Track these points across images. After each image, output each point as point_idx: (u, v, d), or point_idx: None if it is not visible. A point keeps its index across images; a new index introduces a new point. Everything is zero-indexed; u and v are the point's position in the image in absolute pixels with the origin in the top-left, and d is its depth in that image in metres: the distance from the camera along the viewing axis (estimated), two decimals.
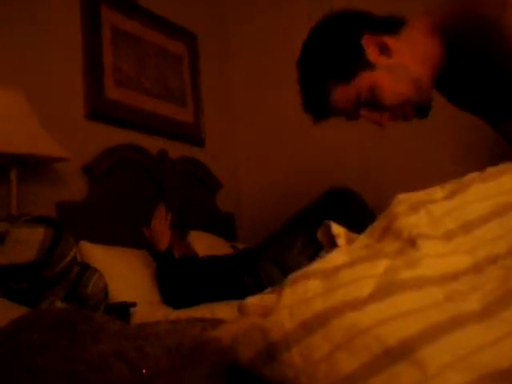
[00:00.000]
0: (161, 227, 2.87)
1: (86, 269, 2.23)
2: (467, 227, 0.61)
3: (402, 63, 1.47)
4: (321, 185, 2.98)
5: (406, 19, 1.55)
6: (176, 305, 2.62)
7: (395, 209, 0.66)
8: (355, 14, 1.54)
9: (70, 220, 2.74)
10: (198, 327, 1.04)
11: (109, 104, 3.27)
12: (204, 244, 3.26)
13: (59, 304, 2.03)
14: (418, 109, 1.51)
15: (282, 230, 2.65)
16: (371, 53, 1.46)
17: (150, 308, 2.62)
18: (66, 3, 3.15)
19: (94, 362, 0.81)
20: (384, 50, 1.45)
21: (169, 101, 3.75)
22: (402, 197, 0.69)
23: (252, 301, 0.64)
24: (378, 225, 0.67)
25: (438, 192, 0.68)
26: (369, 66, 1.46)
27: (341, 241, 0.69)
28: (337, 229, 0.71)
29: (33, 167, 2.72)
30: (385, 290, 0.55)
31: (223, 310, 2.30)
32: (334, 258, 0.61)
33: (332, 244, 0.71)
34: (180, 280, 2.71)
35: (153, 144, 3.46)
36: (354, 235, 0.71)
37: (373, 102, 1.49)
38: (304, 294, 0.58)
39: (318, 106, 1.63)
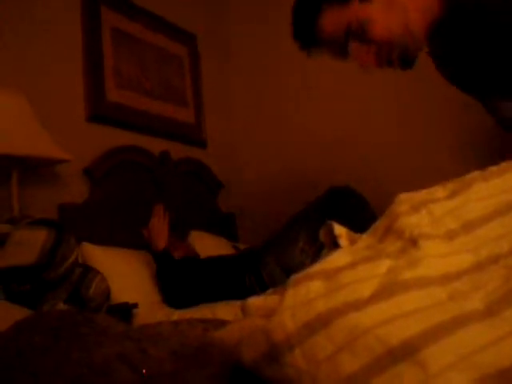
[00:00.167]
0: (158, 227, 2.87)
1: (88, 270, 2.23)
2: (469, 227, 0.61)
3: (403, 4, 1.41)
4: (322, 184, 2.98)
5: None
6: (177, 305, 2.61)
7: (397, 208, 0.66)
8: None
9: (71, 222, 2.74)
10: (201, 328, 1.04)
11: (110, 106, 3.27)
12: (205, 244, 3.26)
13: (61, 306, 2.03)
14: (404, 57, 1.45)
15: (284, 229, 2.65)
16: None
17: (152, 309, 2.62)
18: (66, 5, 3.15)
19: (97, 365, 0.81)
20: None
21: (170, 102, 3.75)
22: (403, 196, 0.69)
23: (254, 302, 0.64)
24: (379, 225, 0.67)
25: (439, 191, 0.68)
26: None
27: (343, 241, 0.69)
28: (339, 229, 0.71)
29: (34, 169, 2.72)
30: (387, 290, 0.55)
31: (225, 311, 2.30)
32: (336, 259, 0.61)
33: (334, 244, 0.71)
34: (181, 280, 2.71)
35: (154, 145, 3.46)
36: (356, 235, 0.71)
37: (362, 36, 1.43)
38: (306, 295, 0.58)
39: (306, 30, 1.54)
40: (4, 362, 0.95)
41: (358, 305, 0.54)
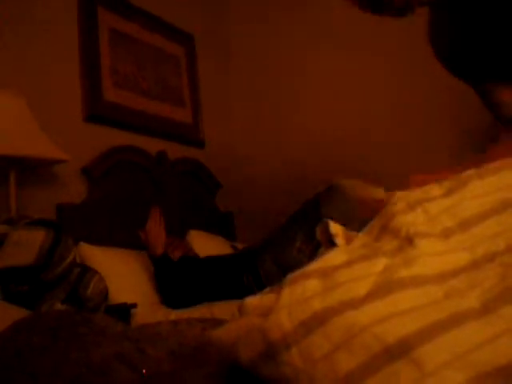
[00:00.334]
0: (155, 230, 2.87)
1: (86, 271, 2.23)
2: (465, 225, 0.61)
3: None
4: (320, 183, 2.99)
5: None
6: (175, 305, 2.62)
7: (393, 207, 0.66)
8: None
9: (69, 222, 2.74)
10: (199, 328, 1.04)
11: (107, 106, 3.27)
12: (203, 244, 3.27)
13: (59, 306, 2.03)
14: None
15: (281, 228, 2.65)
16: None
17: (150, 309, 2.63)
18: (64, 5, 3.15)
19: (96, 365, 0.82)
20: None
21: (167, 102, 3.75)
22: (399, 195, 0.69)
23: (251, 301, 0.64)
24: (375, 223, 0.67)
25: (435, 189, 0.68)
26: None
27: (339, 240, 0.69)
28: (335, 227, 0.71)
29: (32, 169, 2.72)
30: (383, 288, 0.55)
31: (223, 310, 2.31)
32: (333, 258, 0.62)
33: (330, 243, 0.71)
34: (179, 280, 2.71)
35: (152, 145, 3.47)
36: (353, 234, 0.71)
37: None
38: (303, 293, 0.58)
39: None
40: (2, 362, 0.95)
41: (354, 303, 0.54)
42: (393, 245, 0.61)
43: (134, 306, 2.47)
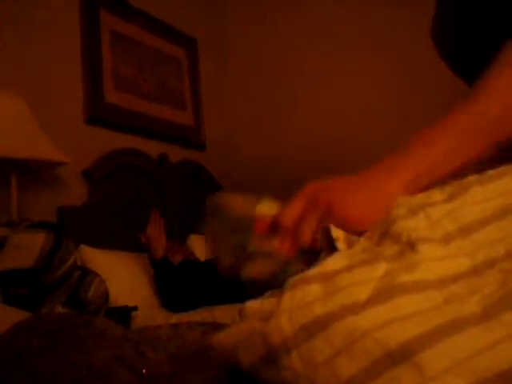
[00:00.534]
0: (155, 233, 2.88)
1: (87, 273, 2.23)
2: (466, 230, 0.61)
3: None
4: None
5: None
6: (176, 309, 2.62)
7: (394, 212, 0.66)
8: None
9: (70, 224, 2.74)
10: (199, 331, 1.04)
11: (108, 108, 3.28)
12: (204, 247, 3.27)
13: (59, 309, 2.03)
14: None
15: None
16: None
17: (151, 312, 2.63)
18: (66, 7, 3.16)
19: (96, 368, 0.82)
20: None
21: (168, 104, 3.76)
22: (400, 200, 0.69)
23: (252, 305, 0.65)
24: (376, 228, 0.67)
25: (436, 195, 0.68)
26: None
27: (340, 244, 0.69)
28: (336, 232, 0.71)
29: (33, 172, 2.72)
30: (384, 293, 0.55)
31: (223, 314, 2.31)
32: (333, 262, 0.62)
33: (331, 247, 0.71)
34: (180, 284, 2.71)
35: (153, 148, 3.47)
36: (354, 238, 0.71)
37: None
38: (303, 298, 0.58)
39: None
40: (2, 364, 0.95)
41: (355, 308, 0.55)
42: (394, 250, 0.61)
43: (135, 308, 2.47)
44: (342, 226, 0.70)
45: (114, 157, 3.19)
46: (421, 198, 0.67)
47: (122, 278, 2.75)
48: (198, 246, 3.26)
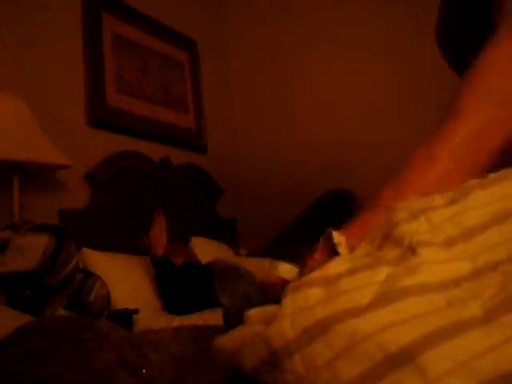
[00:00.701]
0: (157, 233, 2.89)
1: (89, 276, 2.23)
2: (467, 234, 0.62)
3: None
4: (323, 189, 2.99)
5: None
6: (178, 311, 2.62)
7: (395, 216, 0.66)
8: None
9: (72, 227, 2.75)
10: (202, 334, 1.05)
11: (110, 111, 3.28)
12: (206, 250, 3.27)
13: (62, 312, 2.03)
14: None
15: (282, 235, 2.66)
16: None
17: (153, 315, 2.63)
18: (68, 10, 3.17)
19: (99, 371, 0.82)
20: None
21: (170, 107, 3.77)
22: (401, 204, 0.69)
23: (256, 310, 0.65)
24: (378, 232, 0.67)
25: (438, 199, 0.68)
26: None
27: (342, 249, 0.69)
28: (338, 237, 0.71)
29: (35, 175, 2.73)
30: (386, 296, 0.56)
31: None
32: (335, 266, 0.62)
33: (333, 252, 0.71)
34: (182, 286, 2.71)
35: (155, 151, 3.48)
36: (356, 243, 0.71)
37: None
38: (305, 301, 0.59)
39: None
40: (5, 367, 0.95)
41: (356, 312, 0.55)
42: (395, 253, 0.61)
43: (136, 311, 2.47)
44: None
45: (115, 160, 3.20)
46: (422, 202, 0.68)
47: (123, 280, 2.75)
48: (200, 249, 3.26)
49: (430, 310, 0.54)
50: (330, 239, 0.70)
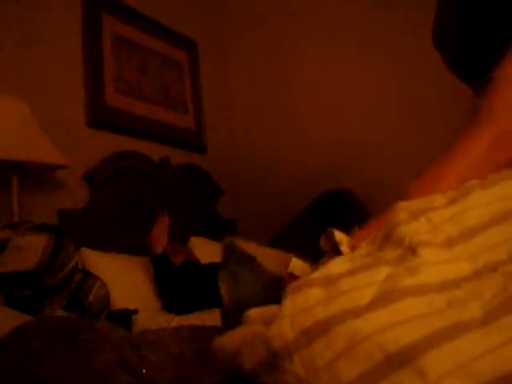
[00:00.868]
0: (159, 232, 2.89)
1: (88, 276, 2.23)
2: (467, 234, 0.62)
3: None
4: (321, 189, 2.99)
5: None
6: (177, 311, 2.61)
7: (396, 216, 0.66)
8: None
9: (71, 227, 2.74)
10: (201, 334, 1.05)
11: (110, 111, 3.28)
12: (205, 250, 3.27)
13: (60, 312, 2.03)
14: None
15: (281, 235, 2.66)
16: None
17: (152, 315, 2.62)
18: (67, 10, 3.17)
19: (98, 371, 0.82)
20: None
21: (170, 108, 3.77)
22: (402, 204, 0.69)
23: (256, 310, 0.65)
24: (378, 232, 0.67)
25: (438, 199, 0.68)
26: None
27: (344, 248, 0.69)
28: (340, 235, 0.71)
29: (34, 175, 2.72)
30: (386, 297, 0.55)
31: None
32: (336, 266, 0.62)
33: (335, 250, 0.71)
34: (181, 286, 2.71)
35: (154, 151, 3.48)
36: (357, 242, 0.71)
37: None
38: (305, 302, 0.58)
39: None
40: (4, 367, 0.95)
41: (357, 312, 0.55)
42: (396, 254, 0.61)
43: (136, 312, 2.47)
44: None
45: (115, 160, 3.19)
46: (423, 202, 0.68)
47: (123, 280, 2.75)
48: (199, 249, 3.26)
49: (431, 311, 0.54)
50: (331, 238, 0.70)
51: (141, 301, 2.70)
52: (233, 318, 0.87)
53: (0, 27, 2.75)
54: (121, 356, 0.88)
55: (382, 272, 0.59)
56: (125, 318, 2.43)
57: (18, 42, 2.83)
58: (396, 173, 3.37)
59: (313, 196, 2.94)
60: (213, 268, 2.77)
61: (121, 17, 3.51)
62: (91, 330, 1.02)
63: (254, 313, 0.65)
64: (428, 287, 0.56)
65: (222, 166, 4.07)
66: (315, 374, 0.54)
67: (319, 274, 0.61)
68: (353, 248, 0.69)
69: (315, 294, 0.59)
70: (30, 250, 2.02)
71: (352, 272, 0.60)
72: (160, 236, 2.88)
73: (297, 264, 0.90)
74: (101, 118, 3.22)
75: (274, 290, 0.86)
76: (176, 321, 2.43)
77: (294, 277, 0.86)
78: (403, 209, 0.67)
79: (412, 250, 0.60)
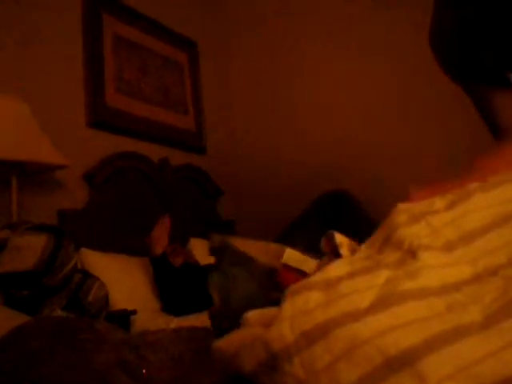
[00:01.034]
0: (159, 233, 2.89)
1: (87, 277, 2.23)
2: (467, 238, 0.62)
3: None
4: (321, 189, 2.99)
5: None
6: (176, 312, 2.61)
7: (396, 219, 0.66)
8: None
9: (70, 227, 2.74)
10: (200, 335, 1.04)
11: (110, 112, 3.28)
12: (205, 251, 3.26)
13: (59, 312, 2.03)
14: None
15: (281, 236, 2.66)
16: None
17: (151, 315, 2.62)
18: (68, 10, 3.17)
19: (97, 372, 0.82)
20: None
21: (170, 109, 3.76)
22: (402, 207, 0.69)
23: (255, 312, 0.65)
24: (378, 235, 0.67)
25: (438, 202, 0.68)
26: None
27: (343, 250, 0.69)
28: (340, 238, 0.71)
29: (33, 175, 2.72)
30: (386, 300, 0.55)
31: None
32: (335, 269, 0.62)
33: (335, 253, 0.71)
34: (180, 287, 2.71)
35: (154, 152, 3.47)
36: (357, 245, 0.71)
37: None
38: (305, 304, 0.58)
39: None
40: (3, 367, 0.95)
41: (356, 315, 0.55)
42: (395, 257, 0.61)
43: (134, 312, 2.47)
44: None
45: (114, 160, 3.19)
46: (422, 205, 0.67)
47: (122, 281, 2.75)
48: (199, 250, 3.26)
49: (431, 315, 0.54)
50: (331, 240, 0.70)
51: (140, 301, 2.70)
52: (227, 322, 0.87)
53: (0, 27, 2.75)
54: (120, 356, 0.88)
55: (382, 275, 0.59)
56: (123, 318, 2.43)
57: (18, 42, 2.83)
58: (396, 173, 3.38)
59: (313, 196, 2.95)
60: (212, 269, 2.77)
61: (121, 17, 3.51)
62: (90, 330, 1.02)
63: (252, 315, 0.65)
64: (428, 291, 0.56)
65: (221, 166, 4.07)
66: (315, 377, 0.54)
67: (319, 276, 0.61)
68: (353, 251, 0.69)
69: (315, 296, 0.59)
70: (29, 250, 2.02)
71: (352, 275, 0.60)
72: (160, 237, 2.88)
73: (291, 254, 0.90)
74: (101, 118, 3.22)
75: (269, 283, 0.86)
76: (175, 322, 2.43)
77: (288, 267, 0.86)
78: (403, 211, 0.66)
79: (412, 254, 0.60)
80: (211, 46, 4.29)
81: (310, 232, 2.42)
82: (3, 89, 2.56)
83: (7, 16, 2.79)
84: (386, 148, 3.53)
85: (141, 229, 2.97)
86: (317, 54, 3.98)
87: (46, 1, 3.01)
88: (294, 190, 3.80)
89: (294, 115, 4.07)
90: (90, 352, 0.91)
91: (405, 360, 0.50)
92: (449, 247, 0.61)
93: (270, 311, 0.63)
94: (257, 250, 0.99)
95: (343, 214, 2.69)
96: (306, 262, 0.89)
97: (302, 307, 0.58)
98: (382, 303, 0.55)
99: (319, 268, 0.66)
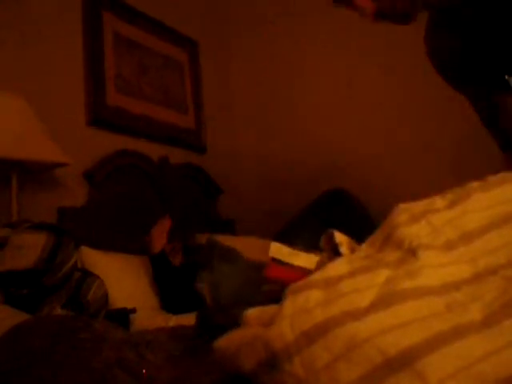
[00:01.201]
0: (158, 232, 2.89)
1: (87, 275, 2.22)
2: (467, 237, 0.62)
3: None
4: (321, 189, 2.99)
5: None
6: (175, 310, 2.61)
7: (396, 218, 0.66)
8: None
9: (70, 225, 2.74)
10: (199, 334, 1.04)
11: (110, 110, 3.27)
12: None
13: (59, 310, 2.03)
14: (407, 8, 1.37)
15: (280, 235, 2.65)
16: None
17: (150, 314, 2.62)
18: (68, 10, 3.16)
19: (97, 371, 0.81)
20: None
21: (170, 107, 3.76)
22: (402, 206, 0.69)
23: (254, 311, 0.65)
24: (378, 234, 0.67)
25: (438, 201, 0.68)
26: None
27: (343, 249, 0.69)
28: (340, 237, 0.71)
29: (33, 173, 2.72)
30: (385, 299, 0.55)
31: None
32: (336, 268, 0.62)
33: (335, 251, 0.71)
34: (179, 285, 2.71)
35: (154, 150, 3.47)
36: (356, 244, 0.71)
37: None
38: (305, 303, 0.58)
39: None
40: (2, 366, 0.95)
41: (356, 314, 0.55)
42: (395, 256, 0.61)
43: (134, 311, 2.46)
44: None
45: (114, 158, 3.19)
46: (423, 204, 0.67)
47: (121, 279, 2.74)
48: None
49: (430, 314, 0.54)
50: (331, 239, 0.70)
51: (139, 300, 2.69)
52: (220, 318, 0.86)
53: (0, 27, 2.75)
54: (119, 355, 0.88)
55: (382, 274, 0.59)
56: (123, 317, 2.43)
57: (18, 42, 2.82)
58: (395, 173, 3.38)
59: (313, 196, 2.94)
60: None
61: (121, 16, 3.50)
62: (90, 329, 1.02)
63: (252, 313, 0.65)
64: (428, 290, 0.56)
65: (221, 165, 4.06)
66: (315, 376, 0.54)
67: (319, 275, 0.61)
68: (352, 249, 0.69)
69: (315, 295, 0.59)
70: (29, 248, 2.02)
71: (352, 274, 0.60)
72: (159, 236, 2.88)
73: (276, 248, 0.90)
74: (101, 116, 3.21)
75: (258, 277, 0.86)
76: (174, 320, 2.43)
77: (276, 261, 0.86)
78: (404, 210, 0.66)
79: (412, 253, 0.60)
80: (212, 45, 4.29)
81: (309, 231, 2.42)
82: (3, 87, 2.56)
83: (7, 15, 2.79)
84: (385, 148, 3.53)
85: (140, 227, 2.96)
86: (317, 54, 3.98)
87: (47, 0, 3.01)
88: (293, 189, 3.79)
89: (294, 115, 4.06)
90: (89, 351, 0.91)
91: (405, 359, 0.50)
92: (449, 246, 0.61)
93: (269, 309, 0.62)
94: (244, 245, 0.99)
95: (343, 213, 2.69)
96: (294, 256, 0.89)
97: (302, 306, 0.58)
98: (382, 302, 0.55)
99: (319, 267, 0.66)
